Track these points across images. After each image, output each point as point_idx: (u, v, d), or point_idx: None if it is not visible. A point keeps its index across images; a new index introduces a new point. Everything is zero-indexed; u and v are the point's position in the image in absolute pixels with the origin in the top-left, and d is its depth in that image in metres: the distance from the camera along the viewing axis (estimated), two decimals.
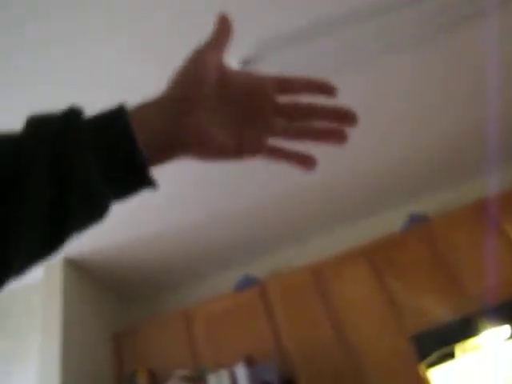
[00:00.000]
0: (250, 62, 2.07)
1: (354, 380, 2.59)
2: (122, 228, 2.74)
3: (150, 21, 1.77)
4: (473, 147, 3.07)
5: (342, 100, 1.74)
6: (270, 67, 2.10)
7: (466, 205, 3.05)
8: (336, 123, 0.42)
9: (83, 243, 2.72)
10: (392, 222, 3.31)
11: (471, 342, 2.72)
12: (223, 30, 0.44)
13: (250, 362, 2.55)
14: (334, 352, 2.70)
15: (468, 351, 2.81)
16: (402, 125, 2.71)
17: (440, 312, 2.71)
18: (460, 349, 2.76)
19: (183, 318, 3.01)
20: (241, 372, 2.37)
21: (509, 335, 2.72)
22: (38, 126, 0.32)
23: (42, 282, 2.68)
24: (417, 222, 3.08)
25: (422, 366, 2.57)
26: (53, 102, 1.88)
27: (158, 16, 1.77)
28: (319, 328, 2.80)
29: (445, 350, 2.63)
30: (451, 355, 2.77)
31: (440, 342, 2.62)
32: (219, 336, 2.89)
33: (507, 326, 2.63)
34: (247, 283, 3.11)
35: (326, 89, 0.45)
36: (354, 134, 2.02)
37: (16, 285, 2.87)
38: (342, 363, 2.66)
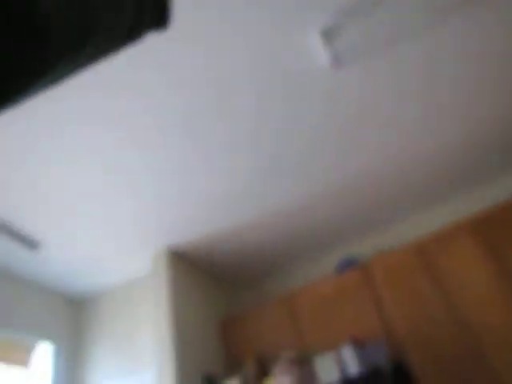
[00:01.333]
0: (330, 32, 1.98)
1: (474, 361, 2.39)
2: (222, 217, 2.80)
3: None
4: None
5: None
6: (350, 36, 1.99)
7: None
8: None
9: (186, 235, 2.83)
10: (502, 191, 3.00)
11: None
12: None
13: (357, 345, 2.47)
14: (448, 330, 2.51)
15: None
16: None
17: None
18: None
19: (287, 303, 3.01)
20: (348, 354, 2.30)
21: None
22: None
23: (150, 273, 2.84)
24: None
25: None
26: None
27: None
28: (429, 307, 2.62)
29: None
30: None
31: None
32: (323, 319, 2.85)
33: None
34: (348, 264, 3.02)
35: None
36: (448, 103, 1.81)
37: (127, 276, 3.08)
38: (458, 343, 2.47)
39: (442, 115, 2.52)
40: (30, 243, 2.61)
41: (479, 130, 2.69)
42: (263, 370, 2.64)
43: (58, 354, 2.94)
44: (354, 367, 2.25)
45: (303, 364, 2.42)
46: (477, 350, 2.42)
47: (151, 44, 1.80)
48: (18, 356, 2.72)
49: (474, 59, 2.24)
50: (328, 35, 1.98)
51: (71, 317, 3.12)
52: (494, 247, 2.63)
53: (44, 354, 2.88)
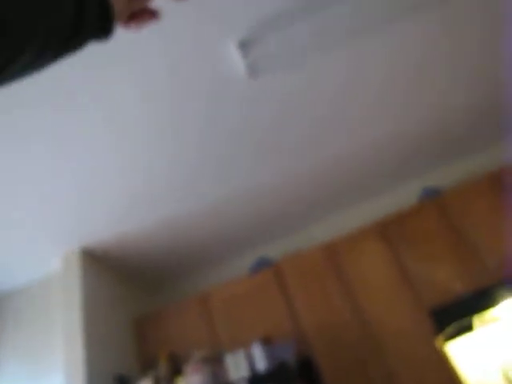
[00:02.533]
0: (247, 44, 2.06)
1: (373, 357, 2.61)
2: (137, 216, 2.79)
3: None
4: (485, 119, 3.00)
5: (350, 71, 1.71)
6: (267, 47, 2.09)
7: (480, 176, 2.99)
8: None
9: (99, 233, 2.79)
10: (406, 197, 3.28)
11: (489, 314, 2.69)
12: None
13: (267, 342, 2.59)
14: (352, 329, 2.71)
15: (486, 323, 2.79)
16: (413, 98, 2.66)
17: (457, 284, 2.69)
18: (478, 321, 2.74)
19: (201, 303, 3.07)
20: (257, 351, 2.40)
21: None
22: None
23: (60, 273, 2.76)
24: (431, 195, 3.04)
25: (440, 340, 2.57)
26: None
27: None
28: (335, 306, 2.81)
29: (463, 322, 2.61)
30: (469, 328, 2.76)
31: (458, 315, 2.60)
32: (236, 318, 2.94)
33: None
34: (262, 265, 3.14)
35: None
36: (365, 109, 2.02)
37: (36, 276, 2.97)
38: (359, 340, 2.67)
39: (356, 122, 2.71)
40: None
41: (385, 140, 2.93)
42: (176, 369, 2.68)
43: None
44: (262, 364, 2.36)
45: (214, 362, 2.50)
46: (377, 349, 2.63)
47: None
48: None
49: (396, 72, 2.43)
50: (245, 46, 2.06)
51: None
52: (397, 251, 2.88)
53: None
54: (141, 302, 3.38)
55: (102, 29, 0.50)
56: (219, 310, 3.00)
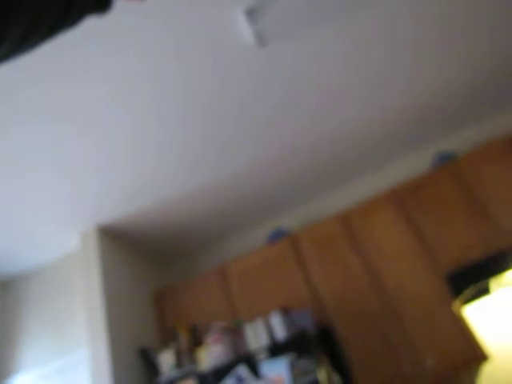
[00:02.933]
0: (254, 11, 2.01)
1: (392, 324, 2.63)
2: (151, 192, 2.80)
3: None
4: (500, 80, 2.92)
5: (350, 43, 1.67)
6: (274, 15, 2.04)
7: (495, 139, 2.94)
8: None
9: (115, 210, 2.81)
10: (419, 163, 3.24)
11: (506, 277, 2.69)
12: None
13: (285, 312, 2.62)
14: (370, 297, 2.73)
15: (503, 285, 2.78)
16: (425, 60, 2.59)
17: (473, 248, 2.68)
18: (495, 283, 2.74)
19: (218, 275, 3.10)
20: (276, 320, 2.44)
21: None
22: None
23: (79, 250, 2.80)
24: (444, 160, 3.00)
25: (457, 303, 2.58)
26: None
27: None
28: (353, 274, 2.82)
29: (479, 285, 2.61)
30: (486, 290, 2.76)
31: (474, 278, 2.60)
32: (254, 289, 2.97)
33: None
34: (279, 236, 3.15)
35: None
36: (376, 75, 1.97)
37: (55, 255, 3.02)
38: (377, 308, 2.69)
39: (358, 92, 2.66)
40: None
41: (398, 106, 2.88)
42: (196, 341, 2.73)
43: None
44: (281, 333, 2.39)
45: (234, 332, 2.54)
46: (396, 316, 2.65)
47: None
48: None
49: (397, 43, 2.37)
50: (252, 14, 2.01)
51: None
52: (412, 218, 2.86)
53: None
54: (159, 277, 3.43)
55: (99, 3, 0.50)
56: (237, 282, 3.03)
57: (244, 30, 2.05)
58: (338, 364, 2.55)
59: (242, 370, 2.29)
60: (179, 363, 2.57)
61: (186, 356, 2.58)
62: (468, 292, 2.61)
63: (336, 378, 2.43)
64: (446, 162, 2.95)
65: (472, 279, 2.61)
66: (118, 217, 2.87)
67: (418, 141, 3.24)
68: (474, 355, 2.45)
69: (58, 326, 2.81)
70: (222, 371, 2.30)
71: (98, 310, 2.59)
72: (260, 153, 2.83)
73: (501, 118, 3.24)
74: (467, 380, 2.67)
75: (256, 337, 2.42)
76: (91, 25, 1.17)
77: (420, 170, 3.21)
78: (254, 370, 2.27)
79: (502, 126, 3.16)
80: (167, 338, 2.96)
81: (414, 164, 3.28)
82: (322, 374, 2.18)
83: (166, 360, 2.62)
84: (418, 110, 2.95)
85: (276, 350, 2.29)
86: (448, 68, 2.71)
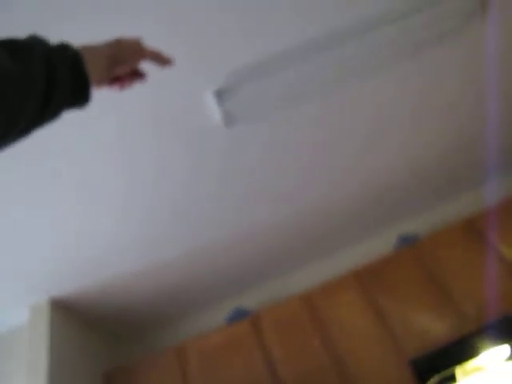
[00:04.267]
0: (225, 93, 2.08)
1: None
2: (108, 266, 2.70)
3: None
4: (461, 161, 3.07)
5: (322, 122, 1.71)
6: (245, 96, 2.12)
7: (456, 222, 3.02)
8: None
9: (68, 283, 2.68)
10: (382, 245, 3.28)
11: (471, 364, 2.64)
12: (159, 59, 0.74)
13: None
14: (332, 380, 2.61)
15: (469, 373, 2.72)
16: (380, 143, 2.70)
17: (436, 333, 2.64)
18: (460, 371, 2.68)
19: (176, 355, 2.93)
20: None
21: (509, 355, 2.64)
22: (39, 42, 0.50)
23: (27, 324, 2.62)
24: (407, 242, 3.04)
25: None
26: None
27: None
28: (315, 357, 2.72)
29: (445, 373, 2.54)
30: (452, 379, 2.69)
31: (439, 365, 2.54)
32: (213, 371, 2.81)
33: (507, 346, 2.56)
34: (239, 316, 3.05)
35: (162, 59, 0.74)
36: (335, 158, 2.03)
37: (1, 328, 2.81)
38: None
39: (347, 164, 2.72)
40: None
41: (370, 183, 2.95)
42: None
43: None
44: None
45: None
46: None
47: None
48: None
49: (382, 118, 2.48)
50: (221, 95, 2.08)
51: None
52: (374, 300, 2.83)
53: None
54: (112, 355, 3.22)
55: (77, 98, 0.52)
56: (195, 362, 2.87)
57: (213, 109, 2.11)
58: None
59: None
60: None
61: None
62: (434, 380, 2.54)
63: None
64: (409, 245, 2.99)
65: (436, 366, 2.55)
66: (71, 290, 2.74)
67: (382, 222, 3.30)
68: None
69: None
70: None
71: None
72: (224, 230, 2.81)
73: (460, 202, 3.37)
74: None
75: None
76: None
77: (384, 250, 3.24)
78: None
79: (462, 209, 3.27)
80: None
81: (376, 246, 3.31)
82: None
83: None
84: (380, 194, 3.04)
85: None
86: (409, 147, 2.83)
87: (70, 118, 1.81)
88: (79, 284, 2.73)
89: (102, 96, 1.84)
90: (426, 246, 2.93)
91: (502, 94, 2.66)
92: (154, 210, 2.47)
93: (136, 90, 1.85)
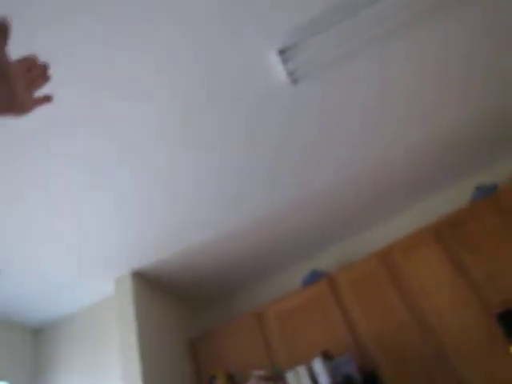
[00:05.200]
0: (287, 51, 2.02)
1: (440, 366, 2.46)
2: (185, 238, 2.77)
3: None
4: None
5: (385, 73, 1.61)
6: (307, 53, 2.05)
7: None
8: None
9: (149, 256, 2.78)
10: (459, 197, 3.13)
11: None
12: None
13: (326, 357, 2.49)
14: (415, 338, 2.58)
15: None
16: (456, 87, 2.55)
17: None
18: None
19: (255, 319, 3.00)
20: (318, 367, 2.31)
21: None
22: None
23: (114, 295, 2.76)
24: (485, 193, 2.88)
25: (510, 344, 2.40)
26: None
27: None
28: (395, 315, 2.68)
29: None
30: None
31: None
32: (293, 333, 2.85)
33: None
34: (314, 278, 3.05)
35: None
36: (403, 111, 1.90)
37: (90, 300, 2.98)
38: (424, 349, 2.53)
39: (395, 124, 2.61)
40: None
41: (444, 134, 2.81)
42: None
43: None
44: (325, 380, 2.26)
45: (275, 380, 2.41)
46: (440, 352, 2.49)
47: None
48: None
49: (433, 70, 2.35)
50: (285, 54, 2.03)
51: (30, 349, 2.97)
52: (453, 252, 2.74)
53: None
54: (194, 323, 3.34)
55: None
56: (274, 325, 2.92)
57: (277, 68, 2.06)
58: None
59: None
60: None
61: None
62: None
63: None
64: (488, 195, 2.84)
65: None
66: (152, 262, 2.84)
67: (458, 174, 3.14)
68: None
69: (91, 374, 2.74)
70: None
71: (134, 360, 2.51)
72: (295, 192, 2.79)
73: None
74: None
75: None
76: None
77: (461, 202, 3.09)
78: None
79: None
80: None
81: (453, 197, 3.17)
82: None
83: None
84: (458, 141, 2.88)
85: None
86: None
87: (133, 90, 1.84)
88: (157, 257, 2.83)
89: (164, 55, 1.83)
90: (507, 195, 2.77)
91: None
92: (224, 176, 2.48)
93: (199, 53, 1.85)
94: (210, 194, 2.55)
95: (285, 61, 2.06)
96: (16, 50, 1.57)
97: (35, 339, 3.03)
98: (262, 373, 2.52)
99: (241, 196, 2.65)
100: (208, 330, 3.12)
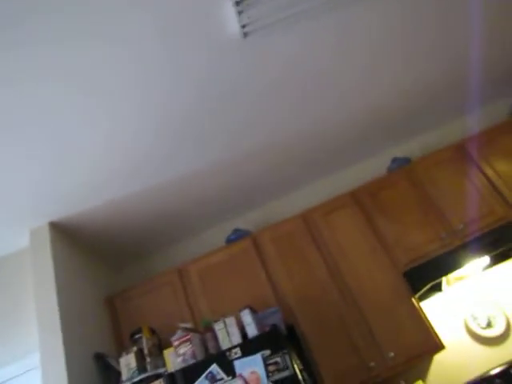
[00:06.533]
0: (243, 2, 2.00)
1: (354, 318, 2.70)
2: (108, 190, 2.65)
3: None
4: (451, 89, 3.16)
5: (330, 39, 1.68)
6: (262, 7, 2.04)
7: (447, 145, 3.17)
8: None
9: (68, 206, 2.61)
10: (377, 167, 3.40)
11: (456, 274, 2.88)
12: None
13: (252, 310, 2.58)
14: (332, 295, 2.78)
15: (454, 282, 2.98)
16: (379, 72, 2.73)
17: (427, 247, 2.84)
18: (447, 280, 2.92)
19: (176, 275, 2.99)
20: (247, 318, 2.39)
21: (487, 265, 2.90)
22: None
23: (29, 247, 2.56)
24: (400, 164, 3.17)
25: (414, 299, 2.71)
26: None
27: None
28: (314, 273, 2.86)
29: (434, 282, 2.77)
30: (439, 287, 2.93)
31: (429, 276, 2.75)
32: (216, 289, 2.90)
33: (486, 257, 2.80)
34: (238, 236, 3.12)
35: None
36: (339, 84, 2.01)
37: (4, 253, 2.74)
38: (340, 304, 2.74)
39: (348, 88, 2.73)
40: None
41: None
42: (159, 343, 2.60)
43: None
44: (253, 330, 2.35)
45: (202, 331, 2.45)
46: (357, 311, 2.72)
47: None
48: None
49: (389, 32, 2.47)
50: (240, 5, 2.00)
51: None
52: (369, 217, 2.99)
53: None
54: (113, 279, 3.25)
55: None
56: (196, 282, 2.95)
57: (230, 19, 2.03)
58: (304, 360, 2.56)
59: (215, 369, 2.21)
60: (142, 367, 2.43)
61: (150, 359, 2.45)
62: (424, 288, 2.76)
63: (305, 374, 2.43)
64: (402, 166, 3.12)
65: (426, 277, 2.76)
66: (72, 213, 2.68)
67: (377, 146, 3.40)
68: (431, 347, 2.59)
69: (4, 330, 2.54)
70: (194, 371, 2.20)
71: (52, 312, 2.38)
72: (226, 153, 2.80)
73: (453, 124, 3.52)
74: (422, 368, 2.81)
75: (227, 335, 2.36)
76: None
77: (378, 172, 3.36)
78: (227, 368, 2.20)
79: (455, 132, 3.43)
80: (123, 342, 2.80)
81: (372, 167, 3.43)
82: (296, 370, 2.18)
83: (127, 364, 2.46)
84: (371, 120, 3.11)
85: (249, 347, 2.24)
86: (400, 79, 2.88)
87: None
88: (78, 209, 2.67)
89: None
90: (419, 167, 3.08)
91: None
92: (160, 129, 2.41)
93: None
94: (145, 147, 2.46)
95: (239, 12, 2.03)
96: None
97: None
98: (188, 325, 2.55)
99: (175, 151, 2.60)
100: (128, 286, 3.05)
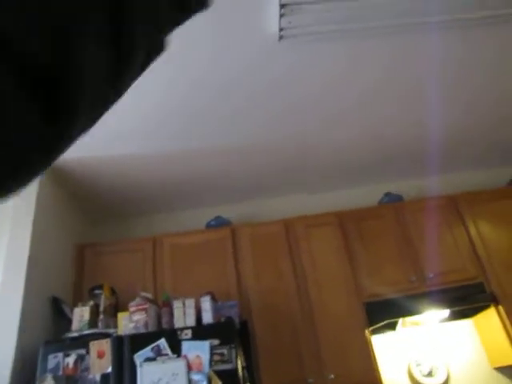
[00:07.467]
0: (288, 6, 2.03)
1: (307, 333, 2.76)
2: (106, 145, 2.68)
3: None
4: (466, 145, 3.24)
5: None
6: (304, 16, 2.08)
7: (439, 196, 3.25)
8: None
9: (69, 148, 2.63)
10: (370, 197, 3.47)
11: (413, 319, 2.96)
12: None
13: (213, 298, 2.64)
14: (292, 304, 2.84)
15: (408, 325, 3.06)
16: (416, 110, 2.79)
17: (394, 286, 2.91)
18: (402, 322, 3.00)
19: (150, 244, 3.03)
20: (206, 304, 2.45)
21: (445, 318, 2.99)
22: None
23: None
24: (392, 200, 3.24)
25: (368, 331, 2.78)
26: None
27: None
28: (282, 279, 2.92)
29: (390, 320, 2.84)
30: (394, 327, 3.01)
31: (388, 313, 2.83)
32: (184, 268, 2.95)
33: (446, 311, 2.88)
34: (219, 223, 3.16)
35: None
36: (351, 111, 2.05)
37: None
38: (297, 315, 2.81)
39: (381, 103, 2.79)
40: None
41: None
42: (116, 304, 2.65)
43: None
44: (209, 317, 2.41)
45: (160, 305, 2.50)
46: (312, 326, 2.79)
47: None
48: None
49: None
50: (285, 8, 2.03)
51: None
52: (349, 241, 3.05)
53: None
54: (90, 230, 3.28)
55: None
56: (167, 256, 2.99)
57: (272, 20, 2.06)
58: (249, 359, 2.62)
59: (163, 344, 2.26)
60: (94, 322, 2.48)
61: (103, 317, 2.49)
62: (379, 324, 2.83)
63: (245, 372, 2.49)
64: (393, 202, 3.19)
65: (385, 313, 2.84)
66: (70, 158, 2.70)
67: (376, 176, 3.47)
68: (370, 379, 2.66)
69: None
70: (142, 340, 2.26)
71: (22, 245, 2.41)
72: (226, 139, 2.84)
73: (448, 178, 3.61)
74: None
75: (183, 315, 2.41)
76: None
77: (370, 202, 3.42)
78: (175, 346, 2.26)
79: (445, 185, 3.51)
80: (82, 293, 2.84)
81: (365, 196, 3.49)
82: (239, 365, 2.24)
83: (80, 315, 2.51)
84: (387, 149, 3.18)
85: (201, 332, 2.30)
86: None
87: None
88: (79, 154, 2.69)
89: None
90: (408, 207, 3.15)
91: None
92: (175, 103, 2.44)
93: None
94: (163, 114, 2.50)
95: (281, 15, 2.07)
96: None
97: None
98: (148, 295, 2.60)
99: (185, 123, 2.63)
100: (100, 241, 3.08)
